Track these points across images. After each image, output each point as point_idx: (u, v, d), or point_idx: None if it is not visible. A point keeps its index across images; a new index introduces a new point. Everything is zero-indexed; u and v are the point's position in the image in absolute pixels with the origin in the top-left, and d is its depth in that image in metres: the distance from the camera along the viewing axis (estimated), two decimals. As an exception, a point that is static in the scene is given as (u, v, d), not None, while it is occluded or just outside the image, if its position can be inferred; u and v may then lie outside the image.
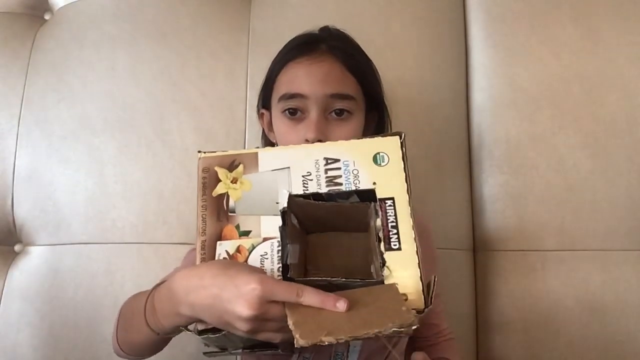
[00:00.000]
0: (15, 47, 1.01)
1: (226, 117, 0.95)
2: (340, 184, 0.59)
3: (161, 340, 0.64)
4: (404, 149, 0.60)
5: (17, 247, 0.96)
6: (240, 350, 0.59)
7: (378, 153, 0.60)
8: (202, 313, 0.53)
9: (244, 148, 0.93)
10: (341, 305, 0.50)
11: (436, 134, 0.96)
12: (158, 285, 0.62)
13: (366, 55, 0.81)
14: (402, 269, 0.55)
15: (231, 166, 0.61)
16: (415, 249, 0.56)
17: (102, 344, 0.88)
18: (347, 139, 0.74)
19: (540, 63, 0.96)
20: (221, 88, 0.96)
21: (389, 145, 0.61)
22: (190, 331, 0.57)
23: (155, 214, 0.91)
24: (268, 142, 0.86)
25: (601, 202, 0.91)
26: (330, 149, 0.62)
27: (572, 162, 0.93)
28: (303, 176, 0.60)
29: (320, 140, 0.71)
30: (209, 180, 0.61)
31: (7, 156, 0.96)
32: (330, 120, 0.74)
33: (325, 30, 0.81)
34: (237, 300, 0.50)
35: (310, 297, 0.50)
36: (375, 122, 0.83)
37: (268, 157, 0.62)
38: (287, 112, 0.75)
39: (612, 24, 0.97)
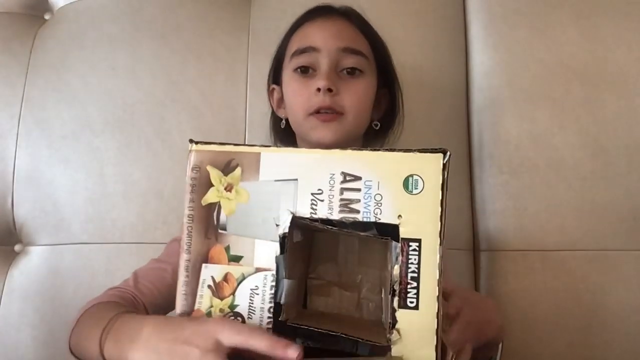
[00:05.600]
0: (15, 47, 1.00)
1: (226, 117, 0.95)
2: (357, 211, 0.48)
3: None
4: (446, 173, 0.48)
5: (17, 247, 0.96)
6: None
7: (411, 176, 0.48)
8: (155, 358, 0.49)
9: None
10: (291, 354, 0.44)
11: (436, 134, 0.96)
12: (121, 314, 0.57)
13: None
14: (416, 335, 0.46)
15: (227, 168, 0.51)
16: (436, 311, 0.46)
17: (102, 344, 0.88)
18: (358, 97, 0.73)
19: (540, 63, 0.96)
20: (221, 88, 0.96)
21: (427, 165, 0.48)
22: None
23: (155, 214, 0.91)
24: (276, 121, 0.86)
25: (601, 202, 0.91)
26: (351, 160, 0.49)
27: (572, 162, 0.93)
28: (313, 194, 0.49)
29: (329, 90, 0.71)
30: (199, 182, 0.51)
31: (7, 156, 0.96)
32: (342, 76, 0.74)
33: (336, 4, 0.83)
34: (189, 342, 0.47)
35: (259, 341, 0.45)
36: (387, 101, 0.84)
37: (272, 161, 0.51)
38: (298, 70, 0.75)
39: (612, 23, 0.97)
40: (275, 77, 0.84)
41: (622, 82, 0.94)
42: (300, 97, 0.75)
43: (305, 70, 0.75)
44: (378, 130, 0.82)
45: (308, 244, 0.55)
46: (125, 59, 0.97)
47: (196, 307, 0.50)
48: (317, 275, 0.54)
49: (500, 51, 0.97)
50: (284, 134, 0.84)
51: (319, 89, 0.72)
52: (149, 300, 0.68)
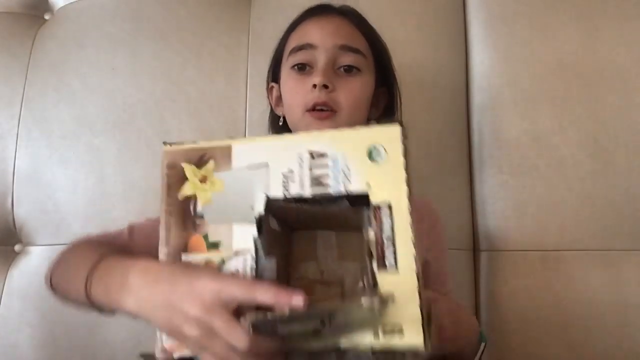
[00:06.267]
0: (15, 47, 1.01)
1: (226, 117, 0.95)
2: (328, 185, 0.50)
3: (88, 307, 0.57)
4: (405, 141, 0.50)
5: (17, 247, 0.96)
6: None
7: (374, 146, 0.50)
8: (152, 313, 0.49)
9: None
10: (297, 300, 0.43)
11: (436, 134, 0.96)
12: (105, 255, 0.56)
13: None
14: (398, 296, 0.46)
15: (200, 162, 0.53)
16: (415, 269, 0.47)
17: (101, 344, 0.88)
18: (354, 94, 0.73)
19: (540, 63, 0.96)
20: (221, 88, 0.96)
21: (387, 136, 0.50)
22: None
23: (155, 214, 0.91)
24: (275, 119, 0.86)
25: (601, 202, 0.91)
26: (316, 140, 0.52)
27: (572, 162, 0.93)
28: (283, 174, 0.51)
29: (325, 87, 0.71)
30: (175, 178, 0.53)
31: (7, 156, 0.96)
32: (339, 74, 0.74)
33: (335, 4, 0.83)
34: (188, 298, 0.46)
35: (263, 293, 0.44)
36: (386, 100, 0.84)
37: (243, 151, 0.53)
38: (295, 67, 0.75)
39: (612, 23, 0.97)
40: (274, 75, 0.84)
41: (622, 82, 0.94)
42: (297, 94, 0.75)
43: (302, 68, 0.75)
44: None
45: (287, 243, 0.55)
46: (125, 59, 0.97)
47: None
48: (299, 275, 0.54)
49: (500, 51, 0.97)
50: (282, 132, 0.84)
51: (314, 85, 0.72)
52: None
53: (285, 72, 0.78)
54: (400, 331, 0.45)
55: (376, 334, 0.46)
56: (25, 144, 0.96)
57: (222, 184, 0.52)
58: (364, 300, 0.43)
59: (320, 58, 0.74)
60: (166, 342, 0.50)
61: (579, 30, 0.97)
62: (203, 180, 0.53)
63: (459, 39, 1.01)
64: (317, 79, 0.71)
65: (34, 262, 0.93)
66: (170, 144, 0.55)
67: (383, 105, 0.84)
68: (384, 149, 0.50)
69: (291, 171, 0.51)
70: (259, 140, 0.54)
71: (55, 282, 0.64)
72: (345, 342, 0.46)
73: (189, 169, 0.53)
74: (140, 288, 0.49)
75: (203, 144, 0.54)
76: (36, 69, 0.99)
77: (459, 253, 0.94)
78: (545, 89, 0.95)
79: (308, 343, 0.47)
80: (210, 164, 0.53)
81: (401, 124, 0.51)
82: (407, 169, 0.50)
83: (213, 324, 0.45)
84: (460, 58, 1.00)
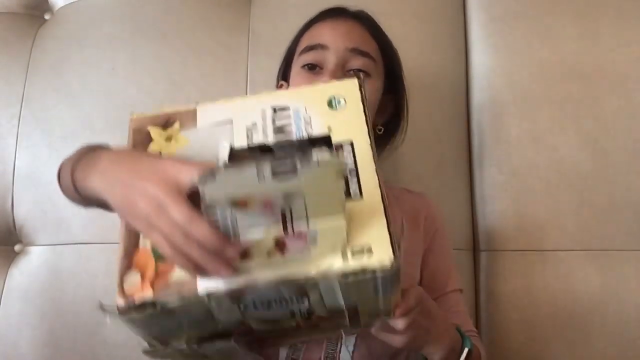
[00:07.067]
0: (15, 47, 1.01)
1: (226, 117, 0.95)
2: (290, 132, 0.52)
3: (80, 199, 0.59)
4: (363, 91, 0.54)
5: (17, 247, 0.96)
6: (184, 346, 0.51)
7: (333, 97, 0.53)
8: (112, 189, 0.50)
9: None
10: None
11: (436, 134, 0.96)
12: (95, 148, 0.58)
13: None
14: (365, 219, 0.46)
15: (166, 124, 0.54)
16: (381, 196, 0.48)
17: (102, 344, 0.88)
18: None
19: (540, 63, 0.96)
20: (221, 88, 0.96)
21: (345, 88, 0.54)
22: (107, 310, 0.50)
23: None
24: None
25: (601, 202, 0.91)
26: (279, 97, 0.55)
27: (572, 162, 0.93)
28: (247, 127, 0.53)
29: None
30: (141, 142, 0.54)
31: (7, 156, 0.96)
32: (348, 76, 0.73)
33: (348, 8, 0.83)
34: (147, 174, 0.46)
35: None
36: (393, 107, 0.84)
37: (208, 112, 0.54)
38: (306, 66, 0.76)
39: (612, 23, 0.97)
40: (285, 73, 0.84)
41: (622, 82, 0.94)
42: None
43: (312, 67, 0.75)
44: (381, 134, 0.82)
45: None
46: (125, 59, 0.97)
47: (141, 245, 0.52)
48: None
49: (500, 51, 0.98)
50: None
51: None
52: None
53: (295, 71, 0.78)
54: (369, 250, 0.45)
55: (345, 256, 0.45)
56: (25, 144, 0.96)
57: (186, 140, 0.53)
58: (315, 153, 0.40)
59: (331, 59, 0.74)
60: (127, 285, 0.50)
61: (579, 29, 0.97)
62: (168, 139, 0.54)
63: (459, 39, 1.01)
64: (325, 78, 0.72)
65: (34, 262, 0.93)
66: (137, 113, 0.56)
67: (389, 112, 0.84)
68: (343, 99, 0.53)
69: (254, 124, 0.53)
70: (223, 101, 0.56)
71: (61, 176, 0.64)
72: (313, 268, 0.45)
73: (154, 131, 0.54)
74: (106, 166, 0.51)
75: (168, 109, 0.55)
76: (36, 69, 0.99)
77: (459, 253, 0.94)
78: (545, 89, 0.95)
79: (269, 264, 0.45)
80: (176, 125, 0.54)
81: (358, 77, 0.55)
82: (366, 112, 0.52)
83: (164, 198, 0.45)
84: (460, 58, 1.00)
